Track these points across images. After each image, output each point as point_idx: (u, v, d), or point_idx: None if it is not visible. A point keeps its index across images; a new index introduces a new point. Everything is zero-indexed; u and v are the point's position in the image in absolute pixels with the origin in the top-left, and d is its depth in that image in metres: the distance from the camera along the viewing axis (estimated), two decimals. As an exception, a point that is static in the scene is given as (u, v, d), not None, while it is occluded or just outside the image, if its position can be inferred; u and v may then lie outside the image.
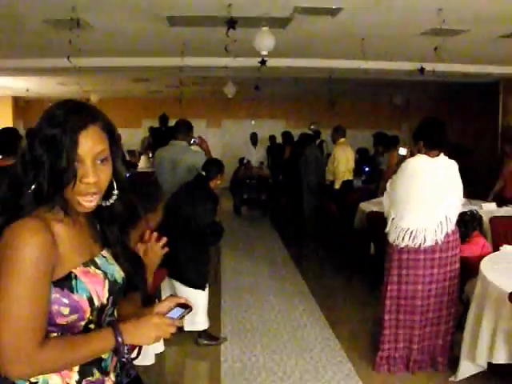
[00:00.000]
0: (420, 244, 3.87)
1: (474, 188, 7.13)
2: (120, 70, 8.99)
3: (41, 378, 1.40)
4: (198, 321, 4.54)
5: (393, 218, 4.00)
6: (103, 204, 1.53)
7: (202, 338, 4.69)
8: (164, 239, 2.36)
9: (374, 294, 5.62)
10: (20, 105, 14.90)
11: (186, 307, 1.60)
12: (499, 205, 6.58)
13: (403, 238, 3.91)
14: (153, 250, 2.29)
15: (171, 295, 1.68)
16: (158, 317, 1.52)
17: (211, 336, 4.75)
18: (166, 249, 2.39)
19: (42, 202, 1.40)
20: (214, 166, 5.05)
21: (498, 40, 6.57)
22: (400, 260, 4.00)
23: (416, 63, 7.76)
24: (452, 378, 3.90)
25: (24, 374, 1.37)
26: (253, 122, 15.75)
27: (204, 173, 4.94)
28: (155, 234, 2.35)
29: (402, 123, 15.88)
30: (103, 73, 9.64)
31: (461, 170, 4.06)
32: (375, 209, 6.07)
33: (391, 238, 4.01)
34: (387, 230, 4.05)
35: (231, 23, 5.25)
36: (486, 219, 5.43)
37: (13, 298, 1.30)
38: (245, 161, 12.26)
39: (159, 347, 3.65)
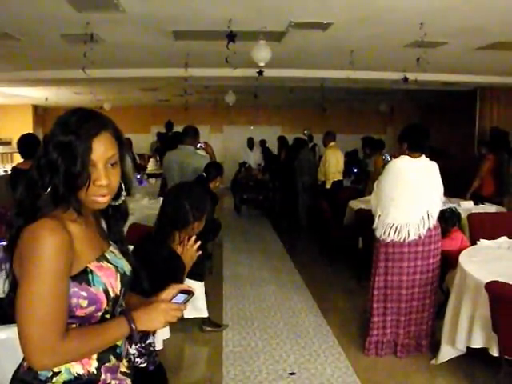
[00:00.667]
0: (404, 238, 3.86)
1: (452, 187, 7.14)
2: (130, 80, 8.96)
3: (63, 367, 1.41)
4: (199, 308, 4.53)
5: (379, 215, 3.99)
6: (112, 203, 1.52)
7: (206, 325, 4.67)
8: (198, 243, 2.38)
9: (362, 285, 5.61)
10: (39, 113, 14.85)
11: (189, 293, 1.60)
12: (476, 202, 6.57)
13: (389, 233, 3.90)
14: (188, 252, 2.32)
15: (174, 283, 1.67)
16: (165, 303, 1.52)
17: (214, 323, 4.73)
18: (200, 252, 2.40)
19: (58, 204, 1.38)
20: (213, 168, 5.03)
21: (474, 51, 6.56)
22: (386, 253, 3.99)
23: (400, 73, 7.74)
24: (433, 361, 3.89)
25: (48, 364, 1.36)
26: (251, 127, 15.72)
27: (205, 174, 4.91)
28: (193, 239, 2.37)
29: (387, 128, 15.88)
30: (115, 83, 9.62)
31: (440, 171, 4.05)
32: (363, 206, 6.05)
33: (378, 233, 4.00)
34: (375, 226, 4.04)
35: (231, 37, 5.23)
36: (464, 216, 5.40)
37: (35, 294, 1.29)
38: (246, 165, 12.30)
39: (166, 333, 3.62)
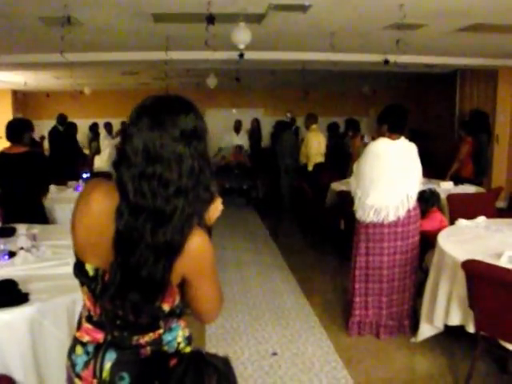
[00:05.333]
0: (384, 219, 3.90)
1: (433, 168, 7.22)
2: (109, 64, 8.87)
3: (181, 332, 1.63)
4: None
5: (359, 197, 4.02)
6: None
7: (188, 308, 4.66)
8: None
9: (344, 266, 5.66)
10: (19, 97, 14.61)
11: None
12: (456, 183, 6.65)
13: (369, 214, 3.93)
14: None
15: None
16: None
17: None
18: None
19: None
20: None
21: (454, 33, 6.57)
22: (367, 234, 4.04)
23: (380, 55, 7.74)
24: (413, 340, 3.97)
25: None
26: (234, 110, 15.63)
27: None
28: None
29: (370, 110, 15.89)
30: (94, 67, 9.49)
31: (421, 153, 4.08)
32: (344, 188, 6.09)
33: (358, 215, 4.03)
34: (355, 207, 4.07)
35: (210, 19, 5.18)
36: (443, 196, 5.47)
37: (217, 280, 1.59)
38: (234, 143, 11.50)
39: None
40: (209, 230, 1.53)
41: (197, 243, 1.44)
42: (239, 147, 11.36)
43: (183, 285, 1.51)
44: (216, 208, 1.62)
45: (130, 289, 1.40)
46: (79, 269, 1.50)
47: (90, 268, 1.48)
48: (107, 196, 1.44)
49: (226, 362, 1.52)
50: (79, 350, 1.55)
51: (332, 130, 10.08)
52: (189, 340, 1.66)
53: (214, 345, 4.05)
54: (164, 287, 1.43)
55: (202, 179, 1.42)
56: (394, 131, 3.97)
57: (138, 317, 1.45)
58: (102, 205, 1.44)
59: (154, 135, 1.36)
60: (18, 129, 4.78)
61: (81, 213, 1.48)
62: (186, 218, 1.39)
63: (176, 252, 1.40)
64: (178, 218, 1.38)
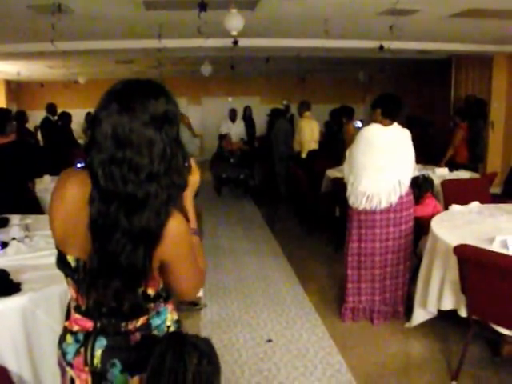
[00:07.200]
0: (376, 206, 3.90)
1: (428, 154, 7.22)
2: (102, 52, 8.78)
3: (169, 315, 1.62)
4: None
5: (352, 183, 4.02)
6: None
7: (182, 304, 4.58)
8: None
9: (339, 252, 5.66)
10: (13, 88, 14.53)
11: None
12: (451, 169, 6.65)
13: (361, 201, 3.93)
14: None
15: None
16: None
17: (191, 302, 4.62)
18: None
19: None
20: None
21: (448, 19, 6.54)
22: (359, 220, 4.04)
23: (375, 41, 7.71)
24: (407, 325, 3.99)
25: None
26: (230, 98, 15.58)
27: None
28: None
29: (366, 97, 15.89)
30: (87, 56, 9.40)
31: (417, 139, 4.08)
32: (339, 175, 6.09)
33: (351, 201, 4.04)
34: (348, 193, 4.07)
35: (202, 6, 5.15)
36: (438, 182, 5.48)
37: (195, 259, 1.54)
38: (222, 132, 11.19)
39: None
40: (185, 215, 1.52)
41: (175, 228, 1.42)
42: (229, 136, 11.06)
43: (161, 267, 1.50)
44: (195, 180, 1.63)
45: (110, 276, 1.39)
46: (61, 261, 1.50)
47: (71, 259, 1.47)
48: (82, 185, 1.41)
49: (207, 342, 1.51)
50: (69, 338, 1.57)
51: (334, 116, 10.03)
52: (178, 323, 1.66)
53: (209, 332, 4.06)
54: (145, 273, 1.42)
55: (175, 164, 1.41)
56: (387, 116, 3.97)
57: (120, 304, 1.44)
58: (77, 194, 1.42)
59: (123, 119, 1.34)
60: (1, 119, 4.73)
61: (56, 204, 1.47)
62: (161, 204, 1.38)
63: (155, 238, 1.39)
64: (152, 203, 1.37)
